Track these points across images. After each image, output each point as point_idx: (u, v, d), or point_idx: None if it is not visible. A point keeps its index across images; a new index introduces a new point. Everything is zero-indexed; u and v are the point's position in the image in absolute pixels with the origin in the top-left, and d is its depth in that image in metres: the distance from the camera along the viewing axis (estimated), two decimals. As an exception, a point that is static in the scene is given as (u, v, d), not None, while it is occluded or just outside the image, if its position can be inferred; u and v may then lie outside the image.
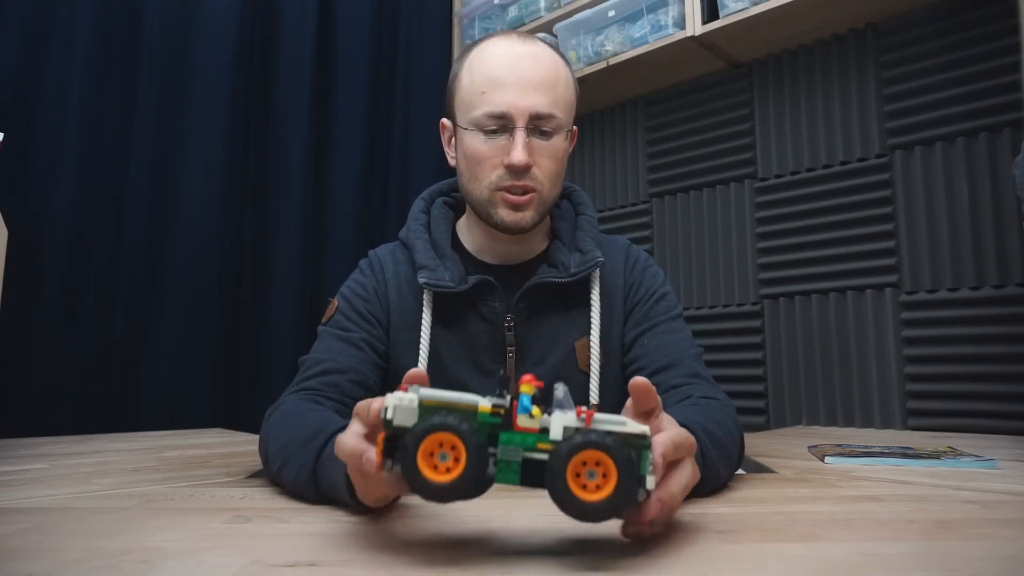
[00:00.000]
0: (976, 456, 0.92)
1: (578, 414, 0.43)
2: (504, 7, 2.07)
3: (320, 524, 0.56)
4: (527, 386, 0.44)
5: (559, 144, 0.85)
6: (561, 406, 0.45)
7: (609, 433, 0.43)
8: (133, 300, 1.60)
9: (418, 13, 2.20)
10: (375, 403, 0.48)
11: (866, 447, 1.05)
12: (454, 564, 0.44)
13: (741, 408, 1.68)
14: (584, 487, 0.42)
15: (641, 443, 0.43)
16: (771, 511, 0.60)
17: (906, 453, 0.96)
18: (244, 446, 1.18)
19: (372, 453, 0.45)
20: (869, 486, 0.73)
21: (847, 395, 1.51)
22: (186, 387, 1.63)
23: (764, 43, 1.67)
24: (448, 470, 0.42)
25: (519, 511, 0.59)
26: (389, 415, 0.44)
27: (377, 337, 0.88)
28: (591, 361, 0.86)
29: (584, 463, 0.42)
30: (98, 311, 1.55)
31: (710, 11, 1.63)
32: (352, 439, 0.49)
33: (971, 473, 0.82)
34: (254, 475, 0.84)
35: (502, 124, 0.82)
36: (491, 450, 0.44)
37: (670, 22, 1.68)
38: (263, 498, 0.67)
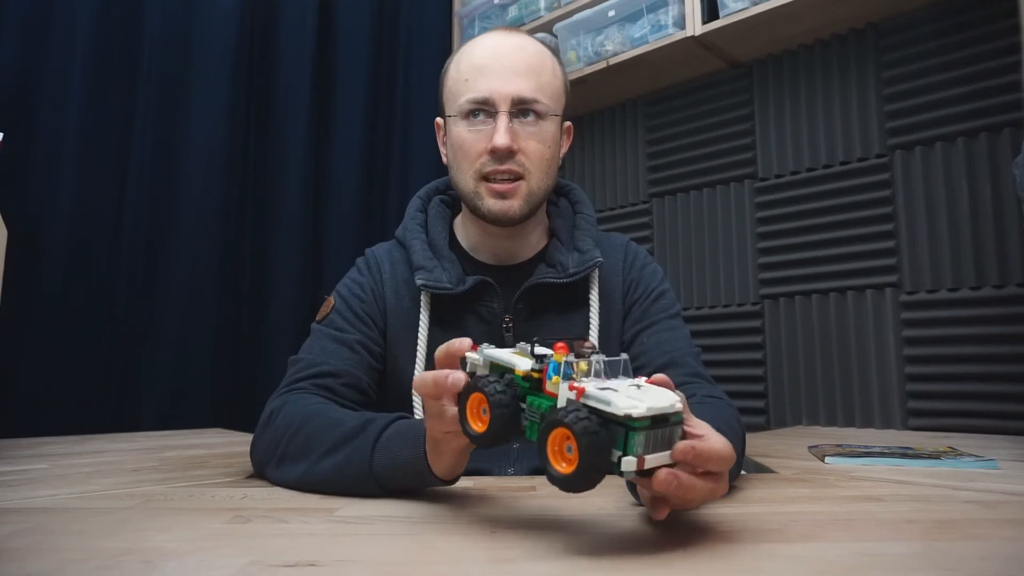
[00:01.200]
0: (976, 456, 0.92)
1: (570, 388, 0.46)
2: (504, 7, 2.07)
3: (320, 524, 0.56)
4: (558, 355, 0.48)
5: (547, 130, 0.84)
6: (598, 374, 0.48)
7: (591, 413, 0.44)
8: (133, 300, 1.60)
9: (418, 13, 2.20)
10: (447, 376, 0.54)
11: (866, 447, 1.05)
12: (454, 564, 0.44)
13: (741, 408, 1.67)
14: (566, 458, 0.45)
15: (627, 423, 0.43)
16: (771, 511, 0.60)
17: (906, 453, 0.96)
18: (244, 446, 1.17)
19: (458, 373, 0.54)
20: (869, 486, 0.73)
21: (847, 395, 1.51)
22: (186, 387, 1.63)
23: (764, 43, 1.67)
24: (484, 422, 0.50)
25: (520, 511, 0.59)
26: (469, 368, 0.55)
27: (372, 339, 0.87)
28: None
29: (567, 437, 0.44)
30: (98, 311, 1.55)
31: (710, 11, 1.63)
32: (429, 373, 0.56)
33: (971, 473, 0.82)
34: (254, 475, 0.84)
35: (485, 110, 0.82)
36: (524, 406, 0.50)
37: (670, 22, 1.68)
38: (263, 498, 0.67)
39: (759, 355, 1.67)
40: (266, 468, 0.76)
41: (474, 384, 0.50)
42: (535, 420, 0.48)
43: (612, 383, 0.46)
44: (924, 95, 1.46)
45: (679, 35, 1.66)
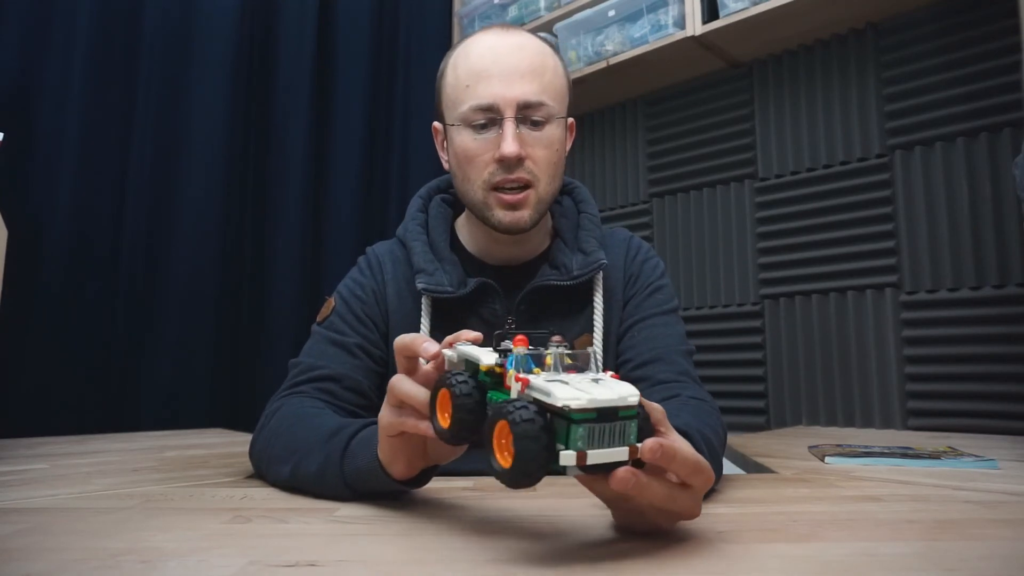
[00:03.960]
0: (976, 456, 0.92)
1: (515, 380, 0.44)
2: (504, 7, 2.07)
3: (320, 524, 0.56)
4: (519, 348, 0.47)
5: (553, 133, 0.82)
6: (558, 368, 0.46)
7: (533, 405, 0.42)
8: (133, 300, 1.60)
9: (418, 13, 2.20)
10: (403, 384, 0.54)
11: (866, 447, 1.05)
12: (454, 564, 0.44)
13: (741, 408, 1.68)
14: (508, 452, 0.42)
15: (567, 414, 0.41)
16: (771, 511, 0.60)
17: (906, 453, 0.96)
18: (244, 446, 1.17)
19: (433, 343, 0.54)
20: (869, 486, 0.73)
21: (847, 395, 1.51)
22: (186, 387, 1.63)
23: (764, 43, 1.67)
24: (450, 418, 0.49)
25: (520, 511, 0.59)
26: (447, 366, 0.54)
27: (373, 342, 0.86)
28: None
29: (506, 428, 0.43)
30: (98, 311, 1.55)
31: (710, 11, 1.64)
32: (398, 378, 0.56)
33: (971, 473, 0.82)
34: (254, 475, 0.84)
35: (490, 117, 0.80)
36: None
37: (670, 22, 1.69)
38: (263, 498, 0.67)
39: (759, 355, 1.67)
40: (260, 469, 0.76)
41: (442, 379, 0.49)
42: None
43: (569, 376, 0.44)
44: (924, 95, 1.46)
45: (679, 35, 1.66)
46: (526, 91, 0.79)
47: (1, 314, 1.06)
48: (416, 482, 0.61)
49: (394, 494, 0.64)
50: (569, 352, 0.46)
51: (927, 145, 1.45)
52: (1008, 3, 1.29)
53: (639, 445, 0.43)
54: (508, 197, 0.81)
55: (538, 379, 0.43)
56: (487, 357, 0.49)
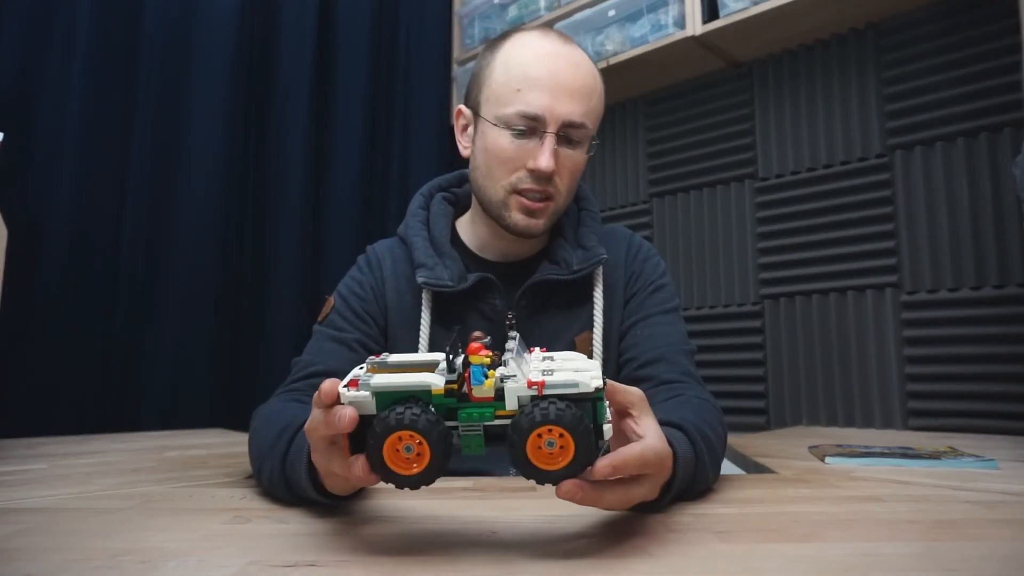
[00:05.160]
0: (977, 456, 0.92)
1: (528, 385, 0.44)
2: (504, 7, 2.07)
3: (320, 524, 0.56)
4: (477, 356, 0.45)
5: (582, 156, 0.84)
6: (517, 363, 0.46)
7: (562, 401, 0.43)
8: (133, 300, 1.60)
9: (418, 13, 2.20)
10: (326, 385, 0.46)
11: (866, 447, 1.05)
12: (454, 564, 0.44)
13: (741, 408, 1.68)
14: (550, 455, 0.44)
15: (596, 395, 0.45)
16: (771, 511, 0.60)
17: (906, 453, 0.96)
18: (244, 446, 1.17)
19: (345, 408, 0.44)
20: (869, 486, 0.73)
21: (847, 395, 1.51)
22: (186, 387, 1.63)
23: (764, 43, 1.67)
24: (414, 461, 0.44)
25: (520, 511, 0.59)
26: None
27: (372, 337, 0.87)
28: (593, 357, 0.86)
29: (540, 435, 0.43)
30: (98, 311, 1.55)
31: (710, 11, 1.63)
32: (313, 418, 0.48)
33: (972, 473, 0.82)
34: (253, 476, 0.84)
35: (532, 126, 0.80)
36: (452, 423, 0.45)
37: (670, 22, 1.68)
38: (263, 498, 0.67)
39: (759, 355, 1.67)
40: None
41: (387, 424, 0.43)
42: (476, 433, 0.45)
43: (533, 363, 0.48)
44: (924, 95, 1.46)
45: (679, 35, 1.66)
46: (573, 111, 0.80)
47: (1, 314, 1.06)
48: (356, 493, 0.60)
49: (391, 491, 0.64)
50: (518, 346, 0.48)
51: (927, 145, 1.45)
52: (1008, 3, 1.29)
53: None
54: (530, 204, 0.82)
55: (552, 375, 0.45)
56: (435, 379, 0.45)
